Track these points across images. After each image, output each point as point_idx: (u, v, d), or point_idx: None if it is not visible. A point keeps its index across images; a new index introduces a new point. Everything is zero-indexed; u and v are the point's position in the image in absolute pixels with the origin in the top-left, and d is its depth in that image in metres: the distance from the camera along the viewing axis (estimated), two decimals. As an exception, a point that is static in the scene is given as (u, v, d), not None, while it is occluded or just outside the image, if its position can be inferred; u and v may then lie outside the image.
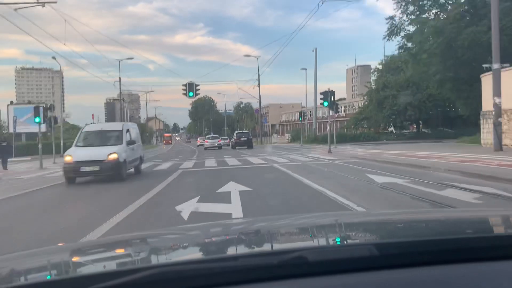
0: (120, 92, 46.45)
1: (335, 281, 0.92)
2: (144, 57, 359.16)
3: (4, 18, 19.13)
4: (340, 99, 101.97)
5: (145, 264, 1.14)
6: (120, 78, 46.83)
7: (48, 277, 1.06)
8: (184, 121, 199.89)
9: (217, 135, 53.27)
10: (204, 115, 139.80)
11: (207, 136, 51.20)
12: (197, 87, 36.34)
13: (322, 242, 1.40)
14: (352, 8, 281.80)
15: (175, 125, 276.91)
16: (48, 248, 1.59)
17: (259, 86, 51.36)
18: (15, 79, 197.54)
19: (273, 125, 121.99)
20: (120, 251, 1.39)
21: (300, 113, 44.16)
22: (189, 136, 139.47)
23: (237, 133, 43.85)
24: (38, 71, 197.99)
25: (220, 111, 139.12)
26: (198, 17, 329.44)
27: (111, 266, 1.18)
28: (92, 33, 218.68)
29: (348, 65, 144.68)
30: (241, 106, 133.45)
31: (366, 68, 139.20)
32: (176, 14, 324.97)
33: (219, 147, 41.85)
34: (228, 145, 45.59)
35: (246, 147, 38.32)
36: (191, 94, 36.05)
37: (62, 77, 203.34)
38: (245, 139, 39.41)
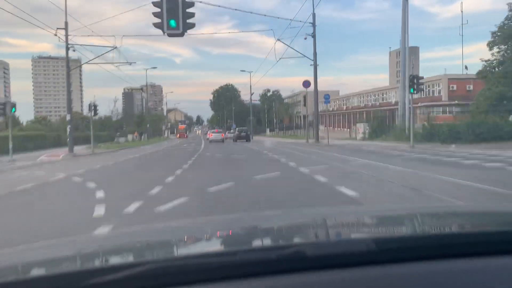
0: (67, 47, 24.39)
1: (334, 275, 0.89)
2: (170, 51, 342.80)
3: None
4: (371, 90, 79.78)
5: (143, 259, 1.08)
6: (66, 19, 24.79)
7: (46, 272, 1.01)
8: (208, 114, 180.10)
9: (221, 130, 55.38)
10: (227, 105, 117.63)
11: (211, 131, 53.16)
12: (189, 9, 14.14)
13: (320, 236, 1.32)
14: None
15: (198, 117, 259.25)
16: (47, 242, 1.48)
17: (314, 35, 28.43)
18: (32, 69, 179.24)
19: (305, 116, 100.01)
20: (118, 245, 1.30)
21: (412, 78, 20.25)
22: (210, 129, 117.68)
23: (238, 129, 49.18)
24: (55, 60, 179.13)
25: (245, 101, 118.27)
26: (223, 10, 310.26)
27: (110, 260, 1.12)
28: (120, 26, 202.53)
29: (392, 47, 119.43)
30: (268, 94, 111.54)
31: (414, 50, 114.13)
32: (202, 7, 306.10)
33: (222, 141, 42.69)
34: (247, 140, 45.67)
35: (245, 140, 42.47)
36: (172, 23, 13.99)
37: (80, 66, 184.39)
38: (244, 134, 44.73)
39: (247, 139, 43.67)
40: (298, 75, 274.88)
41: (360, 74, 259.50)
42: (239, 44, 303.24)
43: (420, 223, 1.48)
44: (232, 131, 53.50)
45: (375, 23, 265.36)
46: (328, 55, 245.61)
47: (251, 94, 54.88)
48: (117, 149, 31.54)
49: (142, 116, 57.45)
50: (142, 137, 56.57)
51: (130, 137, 55.67)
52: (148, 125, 56.05)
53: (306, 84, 28.92)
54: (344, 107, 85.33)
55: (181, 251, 1.23)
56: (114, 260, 1.12)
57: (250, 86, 54.45)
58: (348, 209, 2.79)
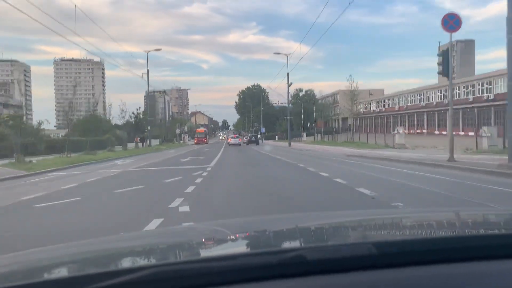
0: None
1: (335, 280, 0.87)
2: (198, 57, 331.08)
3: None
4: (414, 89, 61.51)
5: (143, 263, 1.04)
6: None
7: (45, 277, 0.98)
8: (235, 119, 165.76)
9: (238, 135, 64.47)
10: (254, 107, 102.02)
11: (230, 136, 61.85)
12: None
13: (321, 241, 1.29)
14: (408, 2, 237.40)
15: (224, 122, 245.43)
16: (46, 247, 1.37)
17: None
18: (54, 71, 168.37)
19: (344, 119, 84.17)
20: (119, 250, 1.25)
21: None
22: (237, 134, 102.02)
23: (249, 135, 61.51)
24: (77, 62, 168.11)
25: (273, 104, 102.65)
26: (251, 16, 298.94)
27: (110, 265, 1.07)
28: (149, 33, 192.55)
29: (441, 41, 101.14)
30: (300, 94, 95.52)
31: (469, 44, 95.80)
32: (229, 14, 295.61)
33: (239, 144, 47.63)
34: (257, 144, 50.28)
35: (255, 144, 48.96)
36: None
37: (103, 68, 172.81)
38: (254, 139, 53.11)
39: (257, 143, 50.91)
40: (325, 80, 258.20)
41: (389, 79, 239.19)
42: (265, 50, 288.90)
43: (421, 227, 1.43)
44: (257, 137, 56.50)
45: (404, 27, 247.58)
46: (357, 60, 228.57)
47: (289, 86, 38.54)
48: (53, 168, 16.15)
49: (139, 118, 41.44)
50: (144, 143, 41.19)
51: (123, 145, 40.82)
52: (149, 128, 40.50)
53: (451, 22, 11.87)
54: (393, 107, 68.21)
55: (181, 255, 1.19)
56: (115, 265, 1.07)
57: (288, 74, 38.16)
58: (350, 213, 2.50)
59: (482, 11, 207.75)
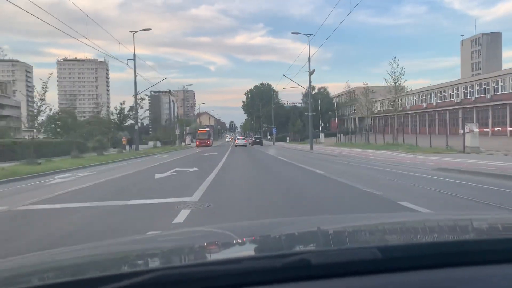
0: None
1: (338, 284, 0.86)
2: (205, 59, 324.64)
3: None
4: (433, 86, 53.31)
5: (149, 267, 1.04)
6: None
7: (52, 280, 0.96)
8: (242, 120, 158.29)
9: (244, 137, 66.40)
10: (263, 106, 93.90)
11: (237, 137, 64.97)
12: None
13: (325, 245, 1.27)
14: (416, 3, 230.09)
15: (231, 123, 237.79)
16: (52, 250, 1.37)
17: None
18: (57, 71, 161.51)
19: (361, 118, 76.23)
20: (124, 253, 1.24)
21: None
22: (243, 136, 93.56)
23: (254, 137, 64.78)
24: (80, 62, 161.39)
25: (283, 103, 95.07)
26: (258, 18, 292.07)
27: (115, 268, 1.06)
28: (157, 36, 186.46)
29: (464, 35, 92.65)
30: (313, 92, 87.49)
31: (495, 37, 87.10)
32: (236, 16, 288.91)
33: (245, 145, 50.58)
34: (261, 144, 53.61)
35: (259, 145, 52.97)
36: None
37: (107, 69, 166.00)
38: (258, 140, 57.13)
39: (261, 144, 54.40)
40: (334, 81, 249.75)
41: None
42: (272, 51, 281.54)
43: (425, 231, 1.41)
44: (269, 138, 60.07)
45: (412, 28, 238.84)
46: (364, 61, 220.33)
47: (310, 73, 30.53)
48: None
49: (122, 114, 33.32)
50: (133, 146, 33.30)
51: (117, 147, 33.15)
52: (136, 127, 32.61)
53: None
54: (425, 105, 59.92)
55: (186, 259, 1.17)
56: (120, 268, 1.05)
57: (309, 58, 30.12)
58: (355, 217, 2.43)
59: (491, 11, 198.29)
